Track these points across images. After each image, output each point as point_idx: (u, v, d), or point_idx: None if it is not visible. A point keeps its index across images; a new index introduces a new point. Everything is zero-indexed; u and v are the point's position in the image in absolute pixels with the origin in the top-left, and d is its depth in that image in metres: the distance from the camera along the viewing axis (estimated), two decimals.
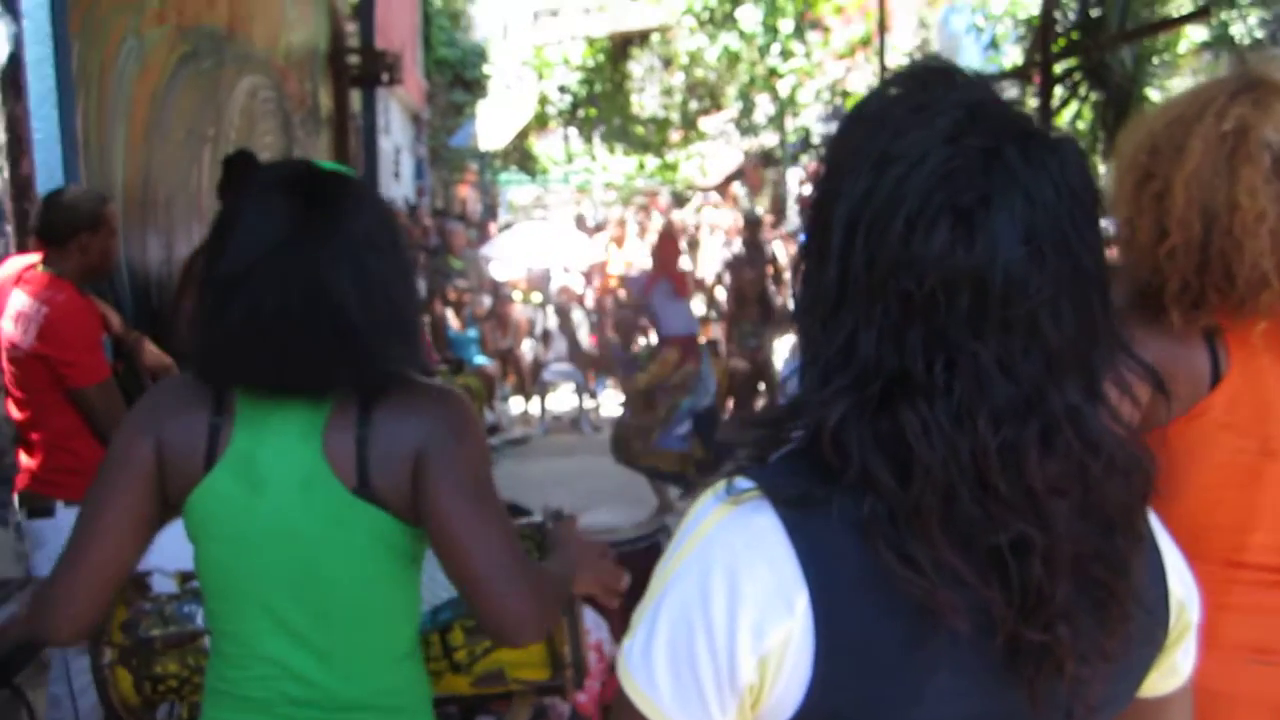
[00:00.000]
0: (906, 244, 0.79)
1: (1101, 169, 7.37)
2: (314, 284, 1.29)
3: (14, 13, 3.31)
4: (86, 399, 2.97)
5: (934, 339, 0.79)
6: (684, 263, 8.24)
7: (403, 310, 1.36)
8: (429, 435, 1.31)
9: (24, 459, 3.10)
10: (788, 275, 10.65)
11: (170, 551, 1.90)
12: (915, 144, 0.80)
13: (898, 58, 12.57)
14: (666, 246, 6.95)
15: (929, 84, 0.85)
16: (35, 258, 3.14)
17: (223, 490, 1.31)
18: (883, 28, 9.10)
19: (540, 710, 2.08)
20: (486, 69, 17.78)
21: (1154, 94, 6.47)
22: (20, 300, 2.94)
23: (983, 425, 0.78)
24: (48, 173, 3.44)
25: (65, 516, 3.03)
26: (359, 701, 1.35)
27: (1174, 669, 0.94)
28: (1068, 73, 6.45)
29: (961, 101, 0.82)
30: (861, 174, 0.82)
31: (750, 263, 9.62)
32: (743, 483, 0.84)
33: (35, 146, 3.43)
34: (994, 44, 10.57)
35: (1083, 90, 6.52)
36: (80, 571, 1.32)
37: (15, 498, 3.09)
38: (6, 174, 3.36)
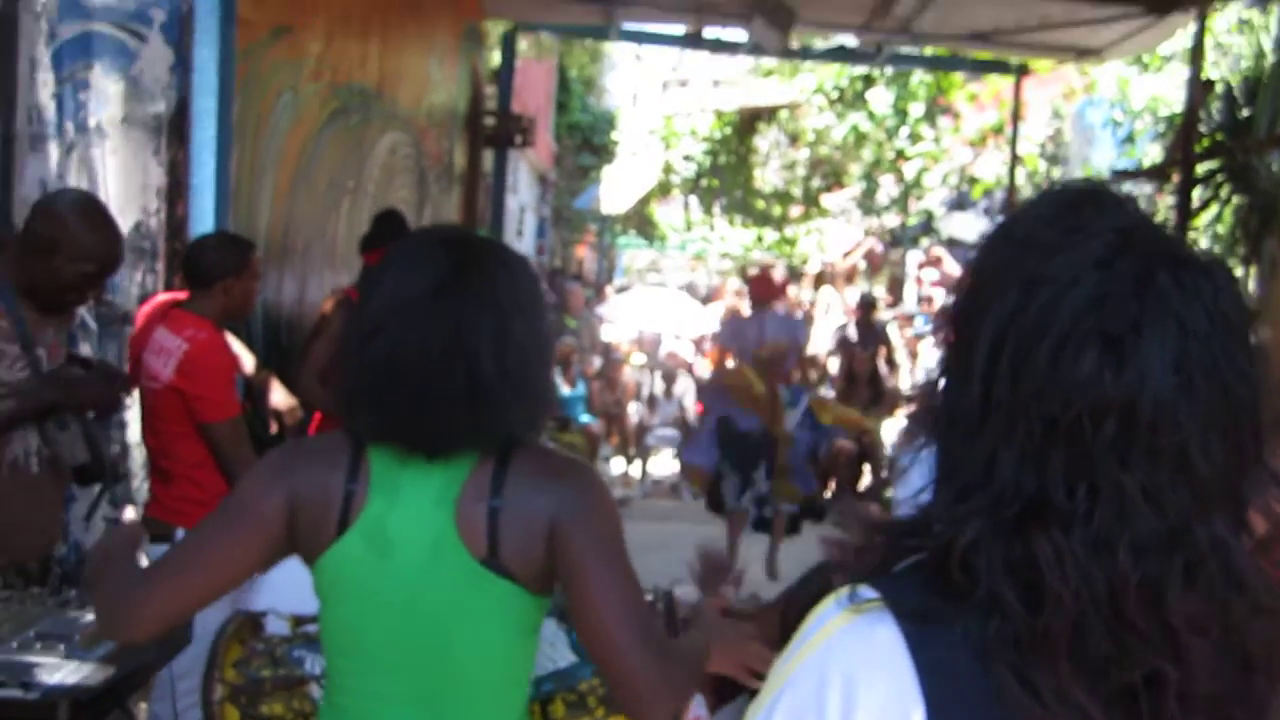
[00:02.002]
0: (1054, 368, 0.78)
1: (1240, 274, 7.11)
2: (453, 333, 1.33)
3: (186, 67, 3.52)
4: (215, 434, 3.09)
5: (1077, 466, 0.78)
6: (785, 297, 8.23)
7: (536, 373, 1.40)
8: (563, 503, 1.33)
9: (153, 486, 3.24)
10: (899, 357, 10.54)
11: (285, 594, 1.95)
12: (1066, 267, 0.80)
13: (1030, 147, 12.42)
14: (764, 283, 6.98)
15: (1079, 205, 0.84)
16: (180, 295, 3.30)
17: (354, 554, 1.34)
18: (1016, 117, 9.02)
19: None
20: (614, 135, 18.17)
21: None
22: (163, 336, 3.09)
23: (1123, 557, 0.76)
24: (200, 216, 3.63)
25: None
26: None
27: None
28: (1210, 174, 6.28)
29: (1114, 225, 0.81)
30: (1009, 294, 0.81)
31: (863, 343, 9.54)
32: (866, 592, 0.83)
33: (192, 191, 3.62)
34: (1130, 139, 10.37)
35: (1224, 193, 6.33)
36: (162, 588, 1.36)
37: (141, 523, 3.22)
38: (164, 215, 3.56)
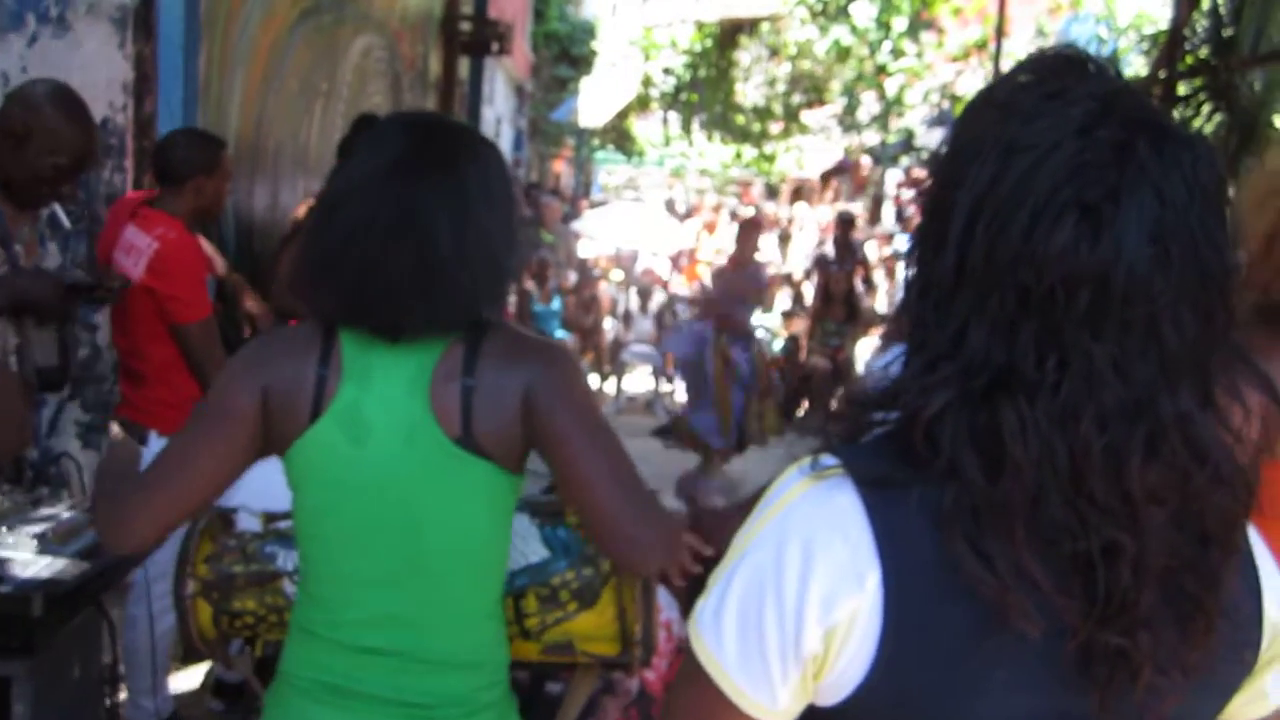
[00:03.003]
0: (1029, 237, 0.77)
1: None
2: (406, 212, 1.31)
3: None
4: (187, 335, 3.05)
5: (1048, 336, 0.78)
6: (763, 256, 8.23)
7: (497, 260, 1.37)
8: (537, 377, 1.33)
9: (123, 387, 3.21)
10: (876, 276, 10.55)
11: (257, 490, 1.95)
12: (1045, 133, 0.78)
13: (1012, 64, 12.30)
14: (748, 236, 6.95)
15: (1062, 72, 0.82)
16: (148, 194, 3.23)
17: (327, 440, 1.34)
18: (1000, 33, 8.92)
19: (607, 684, 2.09)
20: (593, 46, 17.84)
21: None
22: (133, 234, 3.03)
23: (1087, 427, 0.77)
24: (169, 113, 3.53)
25: (157, 446, 3.10)
26: (443, 654, 1.37)
27: (1262, 694, 0.91)
28: (1193, 92, 6.25)
29: (1095, 92, 0.80)
30: (987, 161, 0.80)
31: (839, 261, 9.52)
32: (828, 460, 0.84)
33: (160, 86, 3.52)
34: (1116, 56, 10.28)
35: (1206, 110, 6.30)
36: (158, 496, 1.36)
37: (113, 424, 3.20)
38: (130, 111, 3.46)
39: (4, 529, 2.06)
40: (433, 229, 1.31)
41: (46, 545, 2.02)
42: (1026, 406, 0.77)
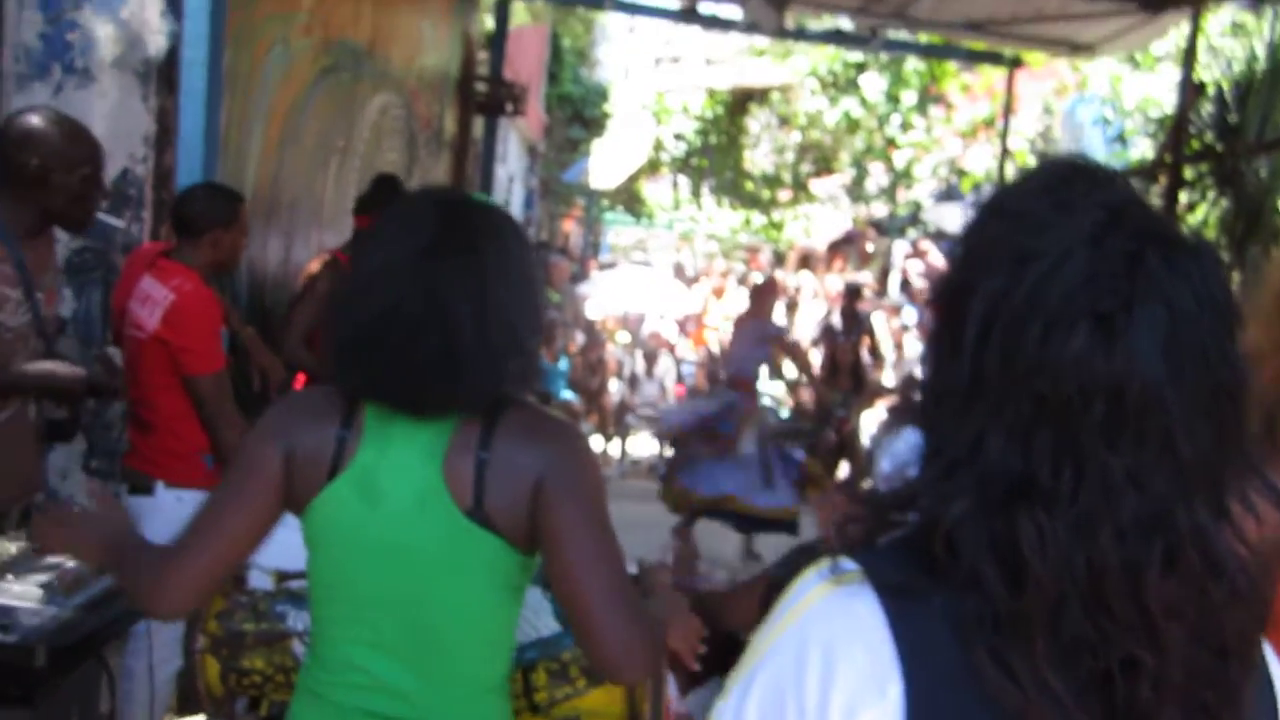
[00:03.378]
0: (1044, 347, 0.78)
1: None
2: (433, 297, 1.34)
3: (177, 13, 3.47)
4: (199, 386, 3.06)
5: (1064, 446, 0.78)
6: (777, 316, 8.21)
7: (520, 340, 1.40)
8: (550, 463, 1.35)
9: (132, 436, 3.21)
10: (884, 348, 10.56)
11: (269, 549, 1.95)
12: (1056, 243, 0.79)
13: (1020, 142, 12.44)
14: (764, 299, 6.92)
15: (1071, 180, 0.83)
16: (166, 245, 3.27)
17: (342, 499, 1.36)
18: (1008, 110, 9.03)
19: None
20: (606, 109, 18.08)
21: None
22: (150, 285, 3.05)
23: (1105, 539, 0.76)
24: (188, 166, 3.58)
25: (164, 496, 3.12)
26: None
27: None
28: (1198, 177, 6.31)
29: (1105, 202, 0.81)
30: (999, 270, 0.81)
31: (846, 332, 9.54)
32: (847, 564, 0.83)
33: (180, 140, 3.57)
34: (1121, 138, 10.41)
35: (1211, 196, 6.36)
36: (196, 559, 1.38)
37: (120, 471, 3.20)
38: (151, 163, 3.51)
39: (10, 576, 2.05)
40: (456, 315, 1.34)
41: (53, 595, 2.00)
42: (1045, 517, 0.77)
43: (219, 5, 3.56)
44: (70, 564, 2.16)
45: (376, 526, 1.35)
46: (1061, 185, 0.83)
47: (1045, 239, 0.79)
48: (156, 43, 3.43)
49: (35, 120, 2.59)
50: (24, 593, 1.99)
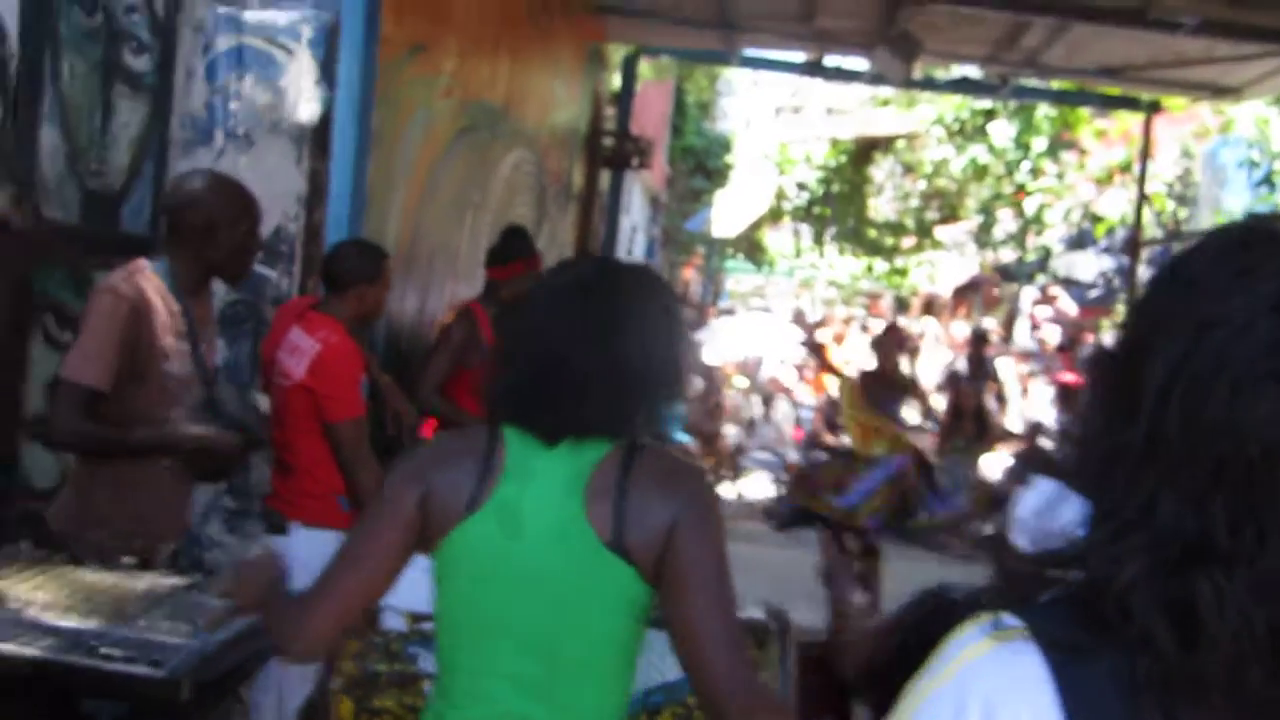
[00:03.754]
0: (1230, 408, 0.78)
1: None
2: (603, 329, 1.48)
3: (330, 81, 3.68)
4: (339, 432, 3.20)
5: (1244, 507, 0.78)
6: (903, 365, 8.07)
7: (649, 383, 1.50)
8: (684, 505, 1.43)
9: (273, 478, 3.38)
10: (1008, 393, 10.28)
11: (402, 591, 2.03)
12: (1240, 310, 0.80)
13: (1158, 186, 12.03)
14: (889, 345, 6.83)
15: (1250, 245, 0.84)
16: (314, 299, 3.45)
17: (482, 531, 1.43)
18: (1145, 154, 8.77)
19: None
20: (728, 159, 18.20)
21: None
22: (298, 336, 3.22)
23: None
24: (336, 223, 3.77)
25: (298, 535, 3.26)
26: None
27: None
28: None
29: None
30: (1180, 335, 0.81)
31: (972, 378, 9.35)
32: (1010, 620, 0.83)
33: (330, 199, 3.78)
34: (1268, 180, 9.97)
35: None
36: (331, 598, 1.45)
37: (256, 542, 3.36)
38: (302, 220, 3.72)
39: (159, 613, 2.17)
40: (628, 346, 1.47)
41: (198, 631, 2.11)
42: (1223, 578, 0.77)
43: (368, 72, 3.77)
44: (215, 602, 2.28)
45: (517, 557, 1.42)
46: (1241, 251, 0.83)
47: (1227, 306, 0.80)
48: (311, 109, 3.64)
49: (199, 182, 2.80)
50: (173, 629, 2.09)
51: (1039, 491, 1.89)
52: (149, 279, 2.62)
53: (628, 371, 1.47)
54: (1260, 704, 0.77)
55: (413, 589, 1.79)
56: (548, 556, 1.41)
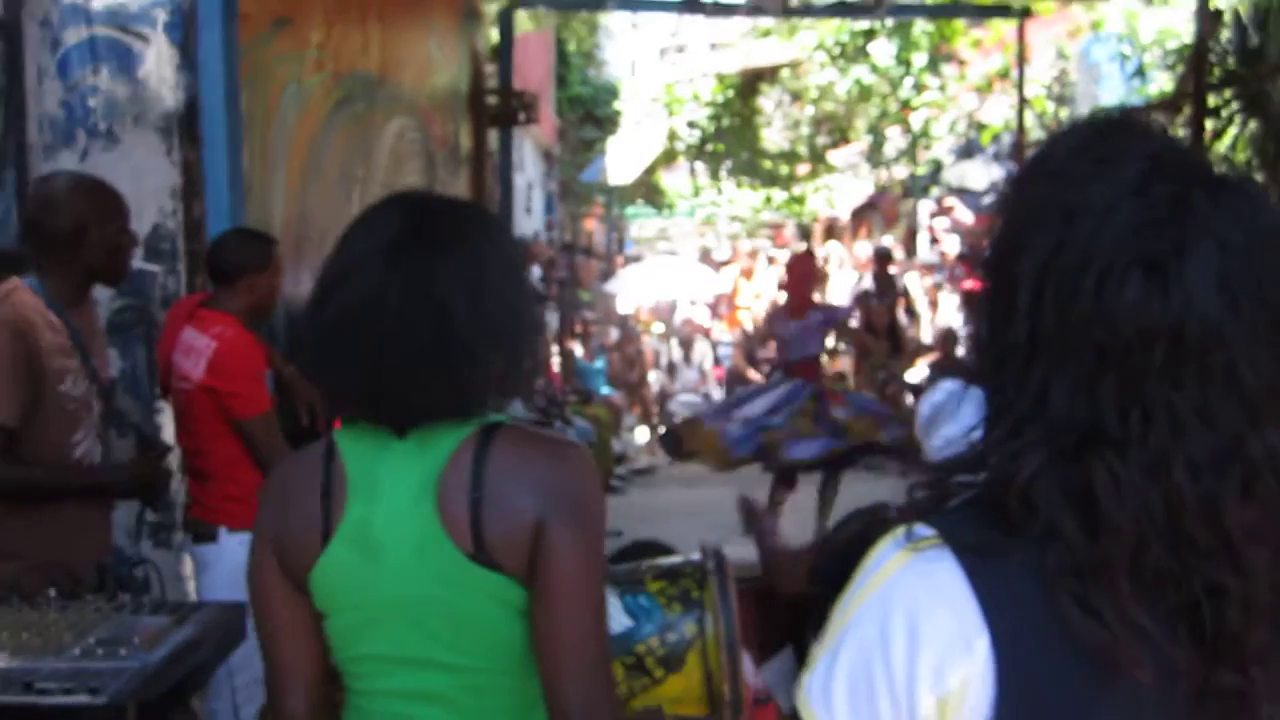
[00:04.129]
0: (1099, 297, 0.79)
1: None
2: (417, 281, 1.25)
3: (192, 66, 3.52)
4: (249, 430, 3.11)
5: (1128, 390, 0.80)
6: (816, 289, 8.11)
7: (515, 329, 1.31)
8: (549, 502, 1.26)
9: (191, 486, 3.27)
10: (919, 306, 10.53)
11: None
12: (1102, 196, 0.81)
13: (1036, 89, 12.28)
14: (810, 273, 6.81)
15: (1108, 134, 0.85)
16: (203, 296, 3.32)
17: (342, 560, 1.29)
18: (1021, 59, 8.93)
19: None
20: (616, 106, 18.09)
21: None
22: (191, 336, 3.11)
23: (1179, 475, 0.78)
24: (217, 214, 3.64)
25: (227, 542, 3.17)
26: None
27: None
28: (1223, 104, 6.22)
29: (1145, 151, 0.83)
30: (1048, 229, 0.82)
31: (880, 296, 9.52)
32: (923, 529, 0.85)
33: (207, 190, 3.63)
34: (1140, 73, 10.24)
35: (1239, 121, 6.26)
36: (279, 674, 1.37)
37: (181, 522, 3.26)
38: (181, 215, 3.57)
39: (92, 640, 2.09)
40: (449, 300, 1.25)
41: (135, 652, 2.05)
42: (1117, 462, 0.79)
43: (231, 53, 3.62)
44: (149, 619, 2.20)
45: (383, 581, 1.28)
46: (1099, 141, 0.85)
47: (1090, 194, 0.81)
48: (175, 97, 3.48)
49: (59, 185, 2.65)
50: (109, 653, 2.03)
51: (939, 395, 1.91)
52: (25, 298, 2.49)
53: (486, 327, 1.26)
54: (1160, 579, 0.80)
55: None
56: (413, 577, 1.27)
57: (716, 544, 1.83)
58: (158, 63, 3.53)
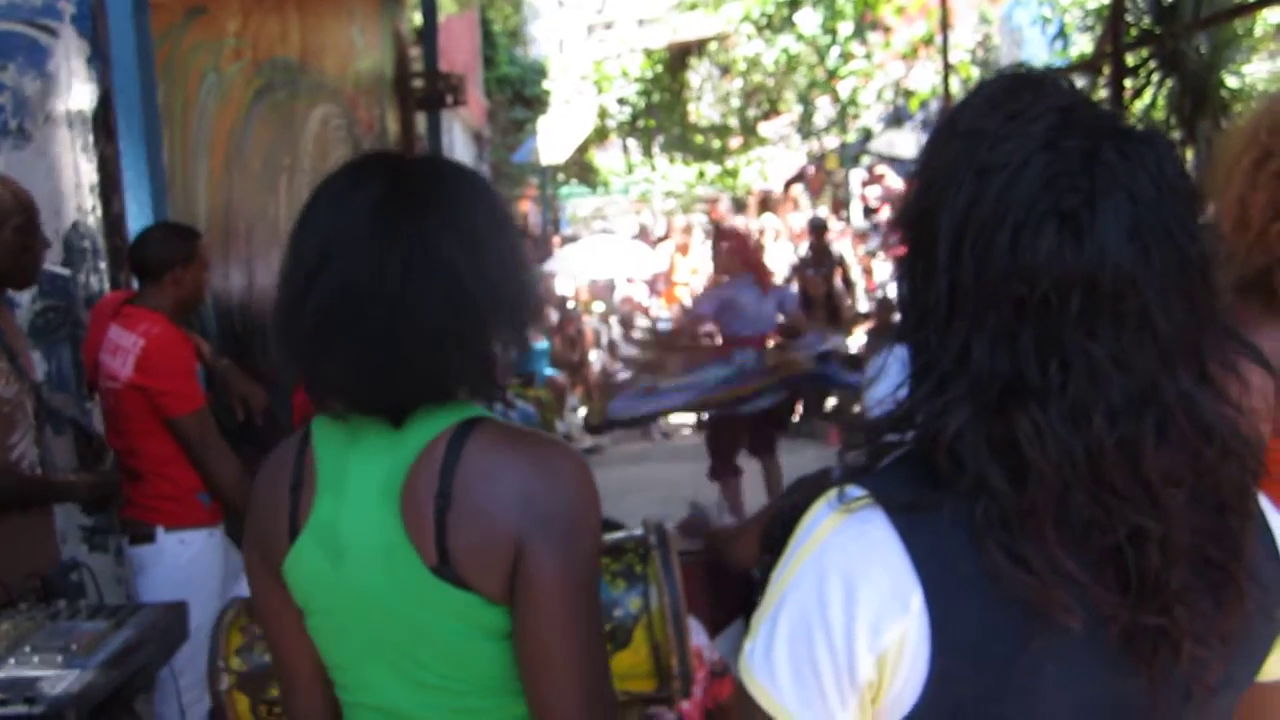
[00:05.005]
0: (1014, 251, 0.81)
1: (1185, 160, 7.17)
2: (419, 248, 1.11)
3: (104, 58, 3.42)
4: (182, 427, 3.06)
5: (1047, 341, 0.81)
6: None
7: (519, 292, 1.17)
8: (529, 515, 1.11)
9: (125, 488, 3.20)
10: (854, 274, 10.63)
11: None
12: (1014, 152, 0.82)
13: (961, 55, 12.42)
14: (747, 248, 6.81)
15: (1017, 91, 0.87)
16: (128, 293, 3.25)
17: (309, 562, 1.20)
18: (945, 25, 9.01)
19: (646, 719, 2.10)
20: (545, 85, 17.94)
21: (1232, 81, 6.30)
22: (117, 334, 3.04)
23: (1098, 423, 0.80)
24: (138, 210, 3.55)
25: (165, 541, 3.13)
26: None
27: None
28: (1141, 62, 6.33)
29: (1054, 106, 0.84)
30: (962, 186, 0.84)
31: (817, 265, 9.59)
32: (854, 490, 0.87)
33: (126, 185, 3.54)
34: (1062, 35, 10.40)
35: (1156, 79, 6.38)
36: (281, 671, 1.33)
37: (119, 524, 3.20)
38: (100, 212, 3.47)
39: (28, 648, 2.05)
40: (454, 264, 1.12)
41: (72, 658, 2.01)
42: (1039, 412, 0.81)
43: (144, 43, 3.52)
44: (86, 624, 2.16)
45: (349, 583, 1.18)
46: (1009, 98, 0.86)
47: (1002, 150, 0.83)
48: (87, 92, 3.38)
49: None
50: (45, 661, 2.00)
51: (881, 356, 1.94)
52: None
53: (482, 302, 1.13)
54: (1085, 526, 0.82)
55: None
56: (377, 582, 1.15)
57: (659, 518, 1.83)
58: (67, 56, 3.42)
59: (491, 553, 1.12)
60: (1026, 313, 0.81)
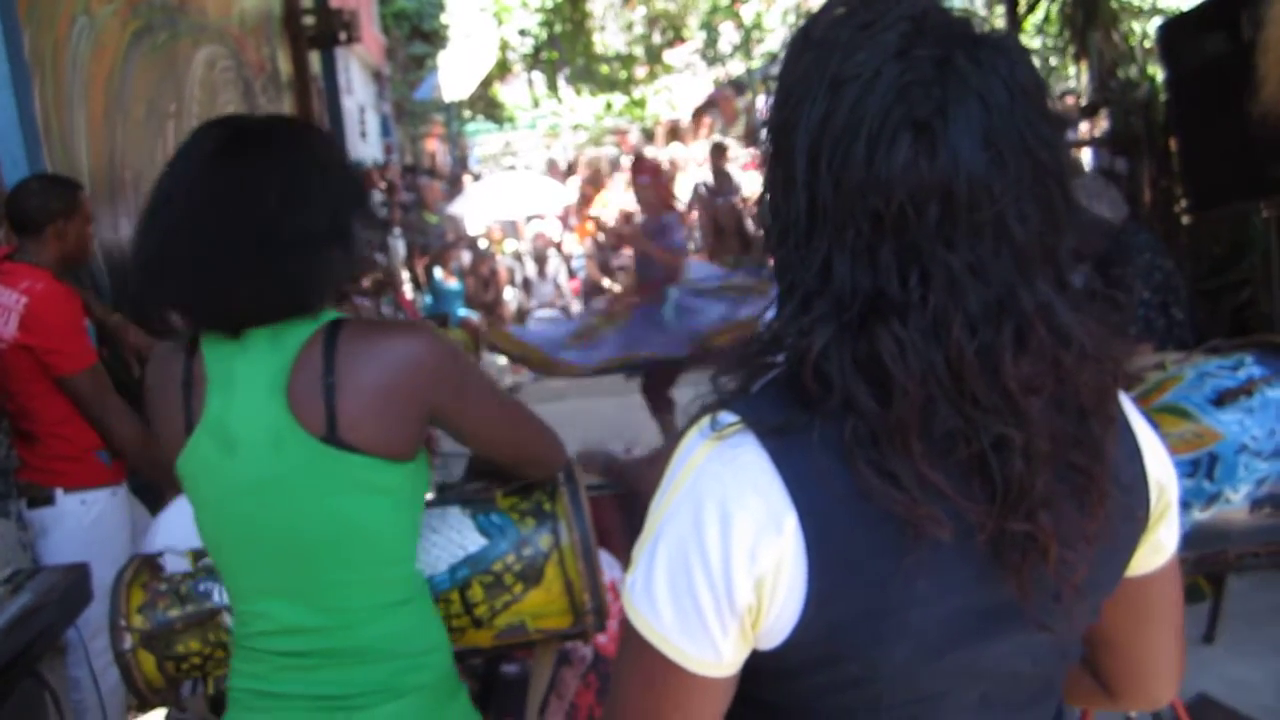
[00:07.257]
0: (870, 164, 0.80)
1: (1072, 71, 7.24)
2: (232, 186, 1.31)
3: None
4: (75, 386, 2.96)
5: (906, 254, 0.81)
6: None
7: (337, 221, 1.35)
8: (403, 368, 1.33)
9: (19, 451, 3.10)
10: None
11: (180, 531, 1.92)
12: (866, 63, 0.81)
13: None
14: (661, 181, 6.73)
15: (870, 1, 0.85)
16: (8, 249, 3.11)
17: (203, 453, 1.35)
18: None
19: (563, 655, 2.11)
20: (444, 19, 17.50)
21: None
22: None
23: (958, 333, 0.80)
24: (12, 162, 3.39)
25: (65, 503, 3.04)
26: (357, 647, 1.37)
27: (1158, 546, 0.97)
28: None
29: (906, 14, 0.83)
30: (816, 99, 0.82)
31: (721, 192, 9.55)
32: (726, 416, 0.86)
33: None
34: None
35: None
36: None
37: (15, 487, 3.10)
38: None
39: None
40: (263, 203, 1.30)
41: None
42: (900, 327, 0.80)
43: None
44: None
45: (239, 472, 1.34)
46: (862, 6, 0.84)
47: (855, 61, 0.81)
48: None
49: None
50: None
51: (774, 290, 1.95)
52: None
53: (289, 229, 1.31)
54: (950, 437, 0.82)
55: (188, 527, 1.69)
56: (267, 466, 1.32)
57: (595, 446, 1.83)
58: None
59: (375, 410, 1.32)
60: (884, 226, 0.80)
